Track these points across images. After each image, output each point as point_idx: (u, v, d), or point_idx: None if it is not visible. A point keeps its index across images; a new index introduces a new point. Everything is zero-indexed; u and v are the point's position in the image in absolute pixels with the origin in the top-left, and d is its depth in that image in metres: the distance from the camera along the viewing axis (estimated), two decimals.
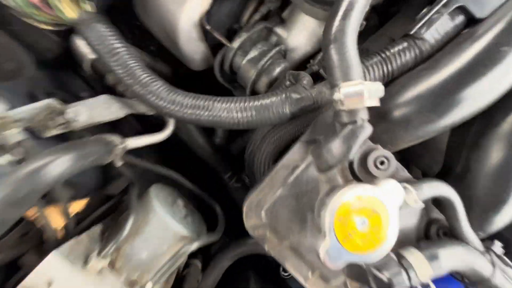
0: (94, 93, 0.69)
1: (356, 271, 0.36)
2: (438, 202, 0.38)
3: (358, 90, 0.29)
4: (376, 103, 0.31)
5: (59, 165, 0.27)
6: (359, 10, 0.31)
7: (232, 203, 0.63)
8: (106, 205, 0.47)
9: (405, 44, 0.36)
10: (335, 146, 0.33)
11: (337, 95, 0.30)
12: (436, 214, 0.40)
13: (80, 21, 0.37)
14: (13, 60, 0.41)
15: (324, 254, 0.30)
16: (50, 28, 0.40)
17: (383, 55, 0.36)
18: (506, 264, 0.36)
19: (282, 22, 0.53)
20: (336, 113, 0.32)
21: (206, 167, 0.62)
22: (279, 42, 0.53)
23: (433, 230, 0.39)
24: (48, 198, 0.37)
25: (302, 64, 0.56)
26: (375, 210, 0.30)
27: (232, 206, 0.63)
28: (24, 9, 0.34)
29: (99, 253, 0.36)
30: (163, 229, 0.39)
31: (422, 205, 0.34)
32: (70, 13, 0.36)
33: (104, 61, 0.39)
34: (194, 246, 0.40)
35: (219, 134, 0.56)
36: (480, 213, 0.38)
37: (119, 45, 0.38)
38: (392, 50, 0.36)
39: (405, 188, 0.33)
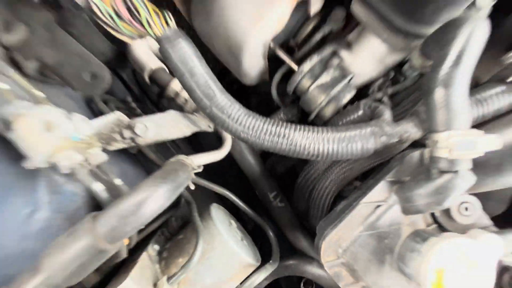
0: (135, 96, 0.68)
1: None
2: None
3: (470, 141, 0.28)
4: (481, 154, 0.30)
5: (159, 198, 0.26)
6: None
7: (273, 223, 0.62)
8: (158, 221, 0.46)
9: (502, 88, 0.35)
10: (429, 192, 0.32)
11: (443, 143, 0.29)
12: (508, 261, 0.40)
13: (165, 37, 0.36)
14: (90, 71, 0.39)
15: None
16: (126, 39, 0.38)
17: (478, 97, 0.35)
18: None
19: (349, 45, 0.51)
20: (434, 159, 0.31)
21: (248, 185, 0.61)
22: (343, 67, 0.52)
23: (506, 279, 0.39)
24: None
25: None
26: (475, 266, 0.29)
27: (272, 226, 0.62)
28: (116, 23, 0.33)
29: (168, 279, 0.34)
30: (228, 255, 0.38)
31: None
32: (157, 30, 0.35)
33: (182, 79, 0.38)
34: (262, 277, 0.39)
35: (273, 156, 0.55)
36: None
37: (199, 65, 0.37)
38: (488, 93, 0.35)
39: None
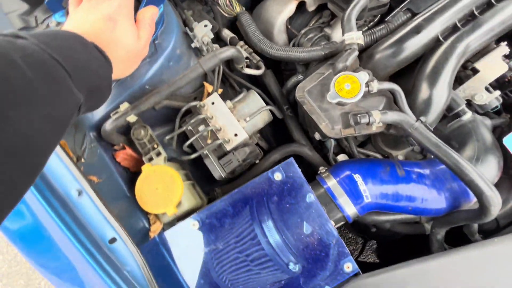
0: None
1: (345, 120, 0.72)
2: None
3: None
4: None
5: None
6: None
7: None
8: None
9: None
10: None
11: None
12: None
13: (240, 13, 0.89)
14: None
15: (328, 95, 0.69)
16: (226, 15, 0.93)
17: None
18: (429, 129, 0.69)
19: (330, 25, 0.99)
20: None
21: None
22: (327, 36, 0.98)
23: None
24: None
25: None
26: (354, 81, 0.68)
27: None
28: (224, 5, 0.87)
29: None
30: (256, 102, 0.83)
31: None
32: (238, 8, 0.88)
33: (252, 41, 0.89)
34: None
35: None
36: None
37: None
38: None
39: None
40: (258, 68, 0.93)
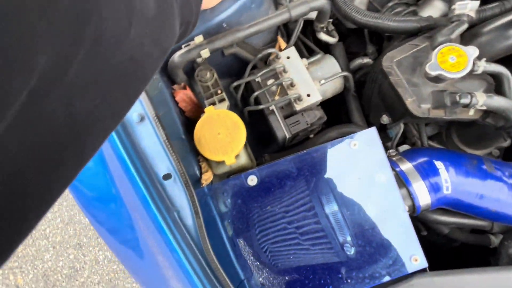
0: None
1: (437, 99, 0.64)
2: None
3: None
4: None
5: None
6: None
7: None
8: None
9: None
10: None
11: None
12: None
13: None
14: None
15: (428, 65, 0.61)
16: None
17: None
18: None
19: None
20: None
21: None
22: None
23: None
24: None
25: None
26: (461, 54, 0.60)
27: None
28: None
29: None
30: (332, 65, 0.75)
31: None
32: None
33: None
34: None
35: None
36: None
37: None
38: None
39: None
40: (332, 36, 0.86)
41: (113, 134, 0.54)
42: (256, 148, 0.86)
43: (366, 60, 0.93)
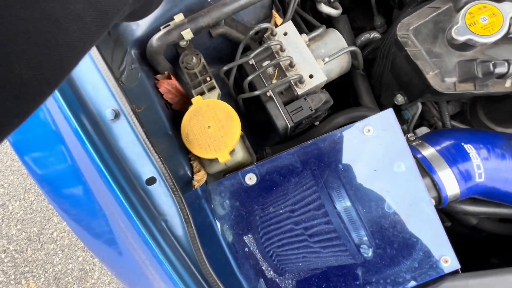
0: None
1: (465, 71, 0.54)
2: None
3: None
4: None
5: None
6: None
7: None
8: None
9: None
10: None
11: None
12: None
13: None
14: None
15: (454, 30, 0.50)
16: None
17: None
18: None
19: None
20: None
21: None
22: None
23: None
24: None
25: None
26: (494, 13, 0.49)
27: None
28: None
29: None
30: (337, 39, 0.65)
31: None
32: None
33: None
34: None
35: None
36: None
37: None
38: None
39: None
40: (335, 8, 0.75)
41: (82, 135, 0.46)
42: (256, 140, 0.78)
43: (374, 34, 0.82)
